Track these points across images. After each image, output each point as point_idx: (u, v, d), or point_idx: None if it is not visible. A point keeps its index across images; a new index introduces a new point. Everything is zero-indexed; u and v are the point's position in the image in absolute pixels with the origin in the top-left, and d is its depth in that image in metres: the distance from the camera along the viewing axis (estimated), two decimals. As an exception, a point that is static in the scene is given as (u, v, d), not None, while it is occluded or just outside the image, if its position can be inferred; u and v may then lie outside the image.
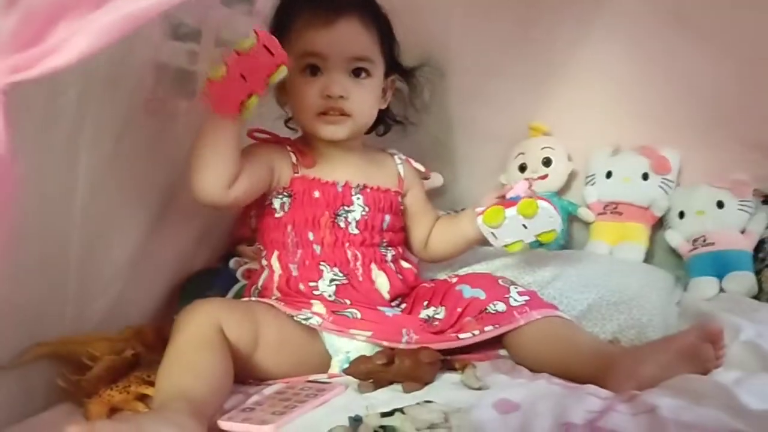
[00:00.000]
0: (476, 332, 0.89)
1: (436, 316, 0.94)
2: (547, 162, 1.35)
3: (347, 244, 0.97)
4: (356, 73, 0.96)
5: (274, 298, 0.95)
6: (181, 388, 0.73)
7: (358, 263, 0.97)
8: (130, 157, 0.93)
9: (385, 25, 1.01)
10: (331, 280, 0.95)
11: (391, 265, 1.00)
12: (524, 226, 0.95)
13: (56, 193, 0.82)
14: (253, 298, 0.97)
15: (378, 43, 0.98)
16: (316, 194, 0.97)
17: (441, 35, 1.35)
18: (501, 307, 0.90)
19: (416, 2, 1.34)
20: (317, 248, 0.96)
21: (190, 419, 0.67)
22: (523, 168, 1.37)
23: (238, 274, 1.14)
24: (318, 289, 0.94)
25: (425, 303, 0.97)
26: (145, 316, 1.03)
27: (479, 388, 0.79)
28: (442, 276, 1.07)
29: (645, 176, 1.29)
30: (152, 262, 1.03)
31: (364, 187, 1.00)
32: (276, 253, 0.98)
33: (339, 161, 1.00)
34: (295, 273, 0.96)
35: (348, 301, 0.94)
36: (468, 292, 0.94)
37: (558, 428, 0.65)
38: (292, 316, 0.90)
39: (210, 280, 1.12)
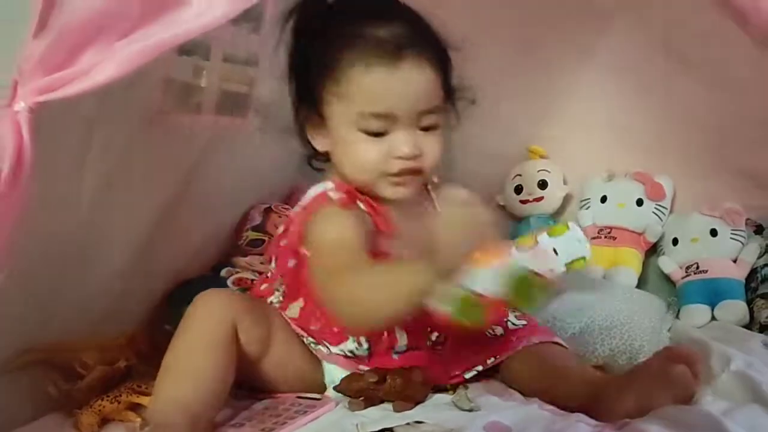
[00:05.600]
0: (480, 368, 0.89)
1: (439, 340, 0.93)
2: (543, 184, 1.36)
3: None
4: (426, 128, 0.81)
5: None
6: (183, 399, 0.73)
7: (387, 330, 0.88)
8: (134, 170, 0.94)
9: (447, 60, 0.84)
10: (350, 349, 0.87)
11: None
12: (555, 252, 0.90)
13: (57, 204, 0.82)
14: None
15: (443, 84, 0.83)
16: None
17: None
18: (499, 330, 0.90)
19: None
20: None
21: None
22: (519, 189, 1.38)
23: (229, 282, 1.13)
24: (332, 350, 0.88)
25: (428, 329, 0.92)
26: (137, 323, 1.03)
27: (470, 410, 0.79)
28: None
29: (639, 202, 1.30)
30: (148, 273, 1.03)
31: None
32: (301, 302, 0.87)
33: (405, 223, 0.84)
34: (314, 328, 0.87)
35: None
36: None
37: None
38: (303, 337, 0.87)
39: (199, 287, 1.09)
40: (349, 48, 0.78)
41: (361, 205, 0.82)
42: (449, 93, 0.85)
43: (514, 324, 0.91)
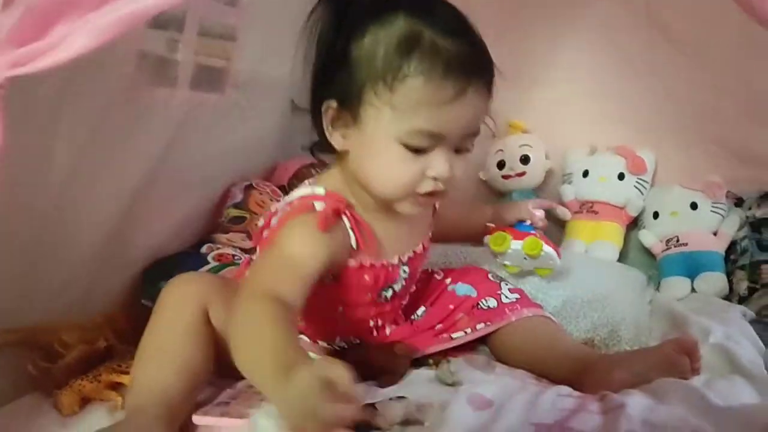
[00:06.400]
0: (468, 330, 0.89)
1: (426, 314, 0.93)
2: (525, 159, 1.36)
3: (373, 314, 0.87)
4: (461, 150, 0.77)
5: None
6: (161, 387, 0.71)
7: (375, 327, 0.88)
8: (107, 146, 0.92)
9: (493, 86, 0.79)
10: (337, 347, 0.87)
11: (400, 313, 0.93)
12: (525, 258, 1.00)
13: (29, 180, 0.80)
14: None
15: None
16: (366, 278, 0.82)
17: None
18: (492, 303, 0.90)
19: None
20: (341, 320, 0.85)
21: (165, 429, 0.67)
22: (501, 165, 1.38)
23: (210, 258, 1.11)
24: (318, 343, 0.87)
25: (416, 309, 0.94)
26: (115, 302, 1.01)
27: (453, 384, 0.79)
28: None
29: (621, 176, 1.30)
30: (125, 251, 1.01)
31: (413, 254, 0.87)
32: None
33: (394, 229, 0.83)
34: (301, 323, 0.84)
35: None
36: (460, 290, 0.93)
37: (529, 427, 0.65)
38: None
39: (177, 263, 1.07)
40: (418, 57, 0.70)
41: (346, 222, 0.77)
42: None
43: (507, 297, 0.92)
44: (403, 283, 0.87)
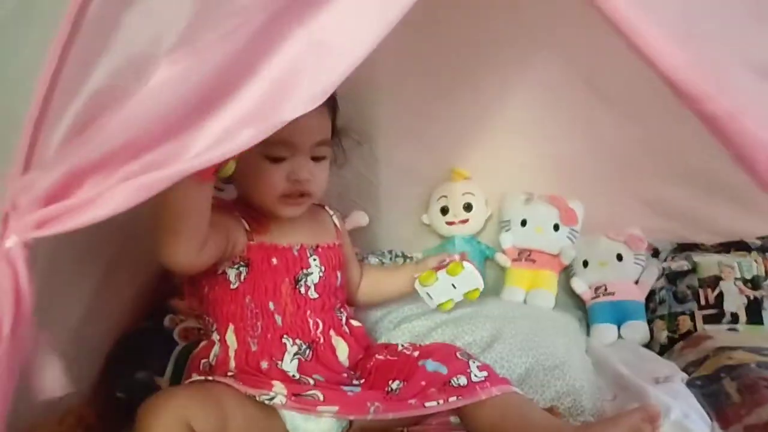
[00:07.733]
0: (441, 401, 0.93)
1: (400, 387, 0.97)
2: (468, 207, 1.41)
3: (308, 312, 0.98)
4: (317, 158, 0.98)
5: (230, 374, 0.93)
6: None
7: (319, 331, 0.98)
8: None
9: (335, 104, 1.01)
10: (295, 354, 0.95)
11: (346, 328, 1.03)
12: (453, 285, 1.09)
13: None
14: (210, 378, 0.93)
15: (332, 123, 1.01)
16: (274, 261, 0.96)
17: (370, 79, 1.33)
18: (463, 381, 0.95)
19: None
20: (279, 319, 0.96)
21: None
22: (444, 211, 1.42)
23: (175, 335, 1.08)
24: (280, 367, 0.94)
25: (389, 381, 0.98)
26: (83, 393, 0.96)
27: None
28: (388, 339, 1.11)
29: (556, 227, 1.40)
30: (90, 340, 0.97)
31: (317, 247, 1.01)
32: (232, 327, 0.96)
33: (289, 226, 1.00)
34: (254, 348, 0.94)
35: (311, 381, 0.94)
36: (431, 365, 0.98)
37: None
38: (254, 396, 0.89)
39: (143, 346, 1.05)
40: None
41: (237, 214, 0.96)
42: (335, 132, 1.03)
43: (476, 375, 0.97)
44: (321, 274, 0.99)
